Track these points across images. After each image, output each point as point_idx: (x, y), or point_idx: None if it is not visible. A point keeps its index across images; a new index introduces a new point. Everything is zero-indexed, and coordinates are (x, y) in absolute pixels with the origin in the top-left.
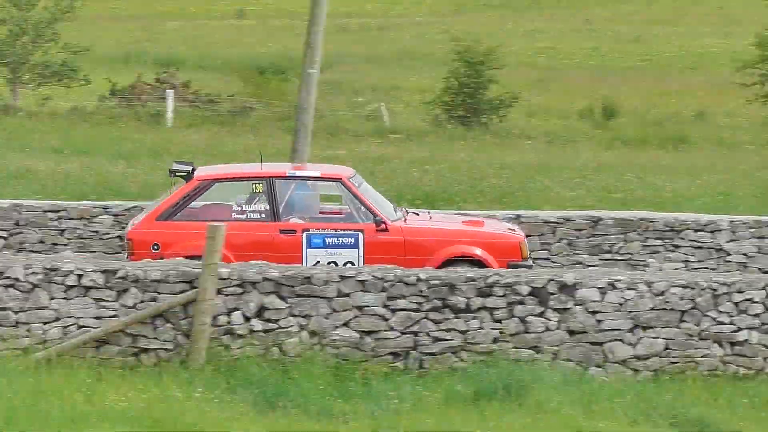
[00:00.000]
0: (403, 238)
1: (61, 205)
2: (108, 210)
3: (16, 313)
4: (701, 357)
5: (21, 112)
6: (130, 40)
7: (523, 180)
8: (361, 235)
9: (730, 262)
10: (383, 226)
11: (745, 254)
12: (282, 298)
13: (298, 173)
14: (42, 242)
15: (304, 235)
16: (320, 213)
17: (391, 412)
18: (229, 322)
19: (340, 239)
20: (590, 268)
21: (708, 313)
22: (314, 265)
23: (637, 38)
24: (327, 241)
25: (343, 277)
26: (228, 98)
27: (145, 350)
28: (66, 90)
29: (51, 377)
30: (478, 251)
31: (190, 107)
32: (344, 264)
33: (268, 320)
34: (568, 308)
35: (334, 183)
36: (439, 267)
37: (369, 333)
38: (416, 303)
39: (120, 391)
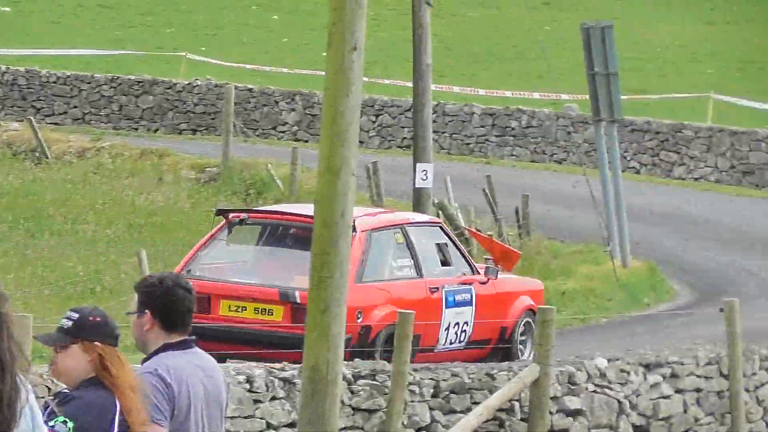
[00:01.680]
0: (496, 291)
1: None
2: None
3: None
4: None
5: None
6: None
7: None
8: (473, 290)
9: None
10: (487, 278)
11: None
12: None
13: (418, 218)
14: None
15: (444, 292)
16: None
17: None
18: None
19: (461, 296)
20: None
21: None
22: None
23: None
24: (456, 299)
25: None
26: None
27: None
28: None
29: None
30: (531, 301)
31: None
32: (462, 325)
33: None
34: None
35: (437, 228)
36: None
37: None
38: None
39: None
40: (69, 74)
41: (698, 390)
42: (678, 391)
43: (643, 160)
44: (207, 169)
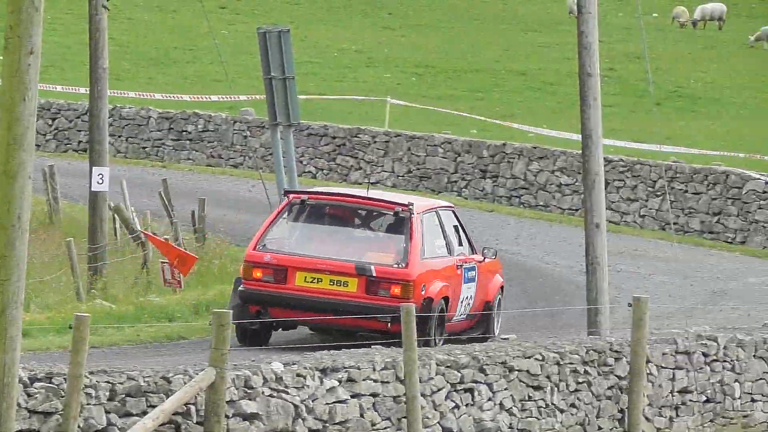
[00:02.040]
0: (486, 270)
1: None
2: None
3: None
4: None
5: None
6: None
7: None
8: (476, 268)
9: None
10: (484, 258)
11: None
12: None
13: (442, 203)
14: None
15: (463, 269)
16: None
17: None
18: None
19: (471, 273)
20: None
21: None
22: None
23: None
24: (469, 275)
25: None
26: None
27: None
28: None
29: None
30: (502, 279)
31: None
32: (468, 298)
33: None
34: None
35: (451, 212)
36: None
37: None
38: None
39: None
40: None
41: (375, 395)
42: (354, 395)
43: (320, 164)
44: None
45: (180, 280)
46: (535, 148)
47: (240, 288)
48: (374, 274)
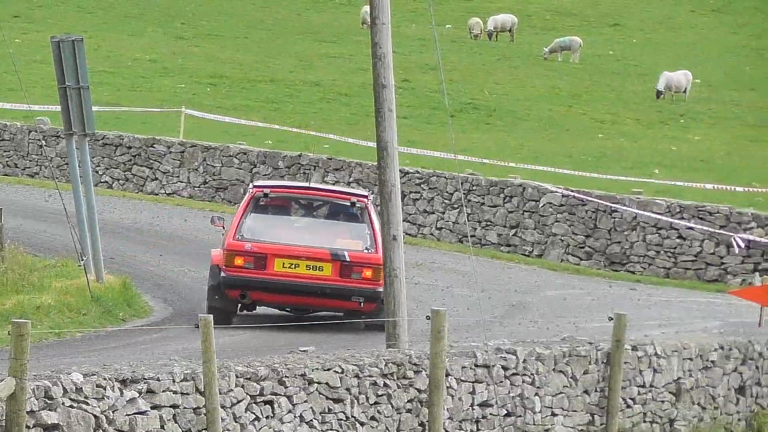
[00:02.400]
0: None
1: None
2: None
3: None
4: None
5: None
6: None
7: None
8: None
9: None
10: None
11: None
12: None
13: None
14: None
15: None
16: None
17: None
18: None
19: None
20: None
21: None
22: None
23: None
24: None
25: None
26: None
27: None
28: None
29: None
30: None
31: None
32: None
33: None
34: None
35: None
36: None
37: None
38: None
39: None
40: None
41: (175, 406)
42: (155, 407)
43: (116, 174)
44: None
45: None
46: (330, 159)
47: (222, 275)
48: (348, 259)
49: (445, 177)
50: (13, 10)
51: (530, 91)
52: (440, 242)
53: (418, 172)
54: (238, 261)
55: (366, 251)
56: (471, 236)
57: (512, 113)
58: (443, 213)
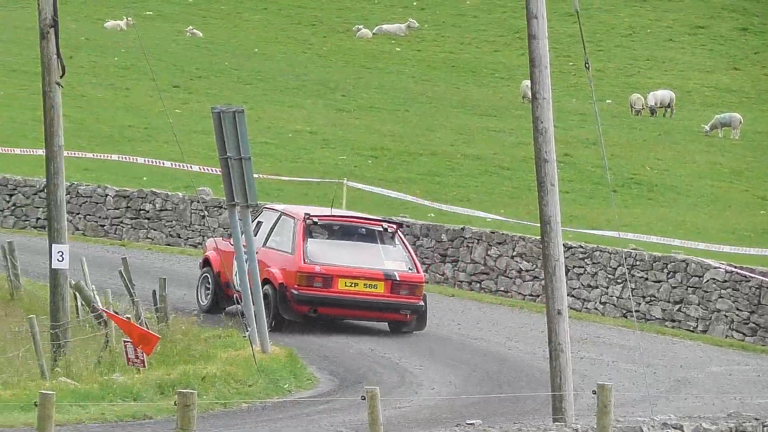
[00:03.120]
0: None
1: None
2: None
3: None
4: None
5: None
6: None
7: None
8: None
9: None
10: None
11: None
12: None
13: None
14: None
15: None
16: None
17: None
18: None
19: None
20: None
21: None
22: None
23: None
24: None
25: None
26: None
27: None
28: None
29: None
30: None
31: None
32: None
33: None
34: None
35: None
36: None
37: None
38: None
39: None
40: None
41: None
42: None
43: None
44: None
45: (143, 359)
46: (493, 233)
47: (294, 292)
48: (398, 279)
49: (608, 252)
50: (173, 80)
51: (691, 167)
52: (604, 317)
53: (581, 247)
54: (309, 281)
55: (409, 271)
56: (635, 311)
57: (674, 189)
58: (607, 288)
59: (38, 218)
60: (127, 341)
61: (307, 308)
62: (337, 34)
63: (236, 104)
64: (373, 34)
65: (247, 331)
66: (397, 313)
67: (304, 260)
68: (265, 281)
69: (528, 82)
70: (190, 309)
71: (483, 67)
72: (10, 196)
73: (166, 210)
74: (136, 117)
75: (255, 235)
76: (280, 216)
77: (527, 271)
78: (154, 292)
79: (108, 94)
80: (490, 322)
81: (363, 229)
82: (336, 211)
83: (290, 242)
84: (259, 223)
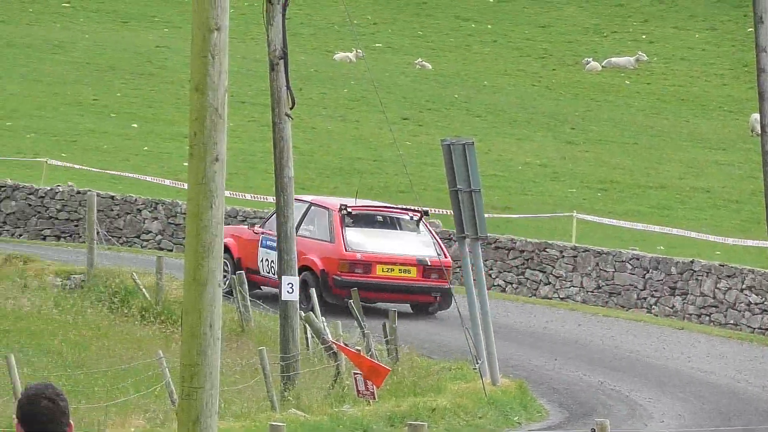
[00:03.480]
0: None
1: None
2: None
3: None
4: None
5: None
6: None
7: None
8: None
9: None
10: None
11: None
12: None
13: None
14: None
15: None
16: None
17: None
18: None
19: None
20: None
21: None
22: None
23: None
24: None
25: None
26: None
27: None
28: None
29: None
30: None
31: None
32: None
33: None
34: None
35: None
36: None
37: None
38: None
39: None
40: None
41: None
42: None
43: (509, 278)
44: (72, 275)
45: (373, 391)
46: (722, 266)
47: (335, 278)
48: (429, 264)
49: None
50: (402, 112)
51: None
52: None
53: None
54: (350, 267)
55: (438, 256)
56: None
57: None
58: None
59: None
60: (357, 373)
61: (346, 293)
62: (566, 67)
63: (466, 136)
64: (603, 66)
65: (478, 363)
66: (429, 295)
67: (345, 248)
68: (303, 268)
69: (757, 116)
70: (420, 342)
71: (711, 101)
72: None
73: None
74: (365, 149)
75: None
76: (309, 206)
77: (756, 304)
78: (384, 324)
79: (337, 126)
80: (719, 355)
81: (391, 218)
82: (360, 201)
83: (328, 231)
84: None
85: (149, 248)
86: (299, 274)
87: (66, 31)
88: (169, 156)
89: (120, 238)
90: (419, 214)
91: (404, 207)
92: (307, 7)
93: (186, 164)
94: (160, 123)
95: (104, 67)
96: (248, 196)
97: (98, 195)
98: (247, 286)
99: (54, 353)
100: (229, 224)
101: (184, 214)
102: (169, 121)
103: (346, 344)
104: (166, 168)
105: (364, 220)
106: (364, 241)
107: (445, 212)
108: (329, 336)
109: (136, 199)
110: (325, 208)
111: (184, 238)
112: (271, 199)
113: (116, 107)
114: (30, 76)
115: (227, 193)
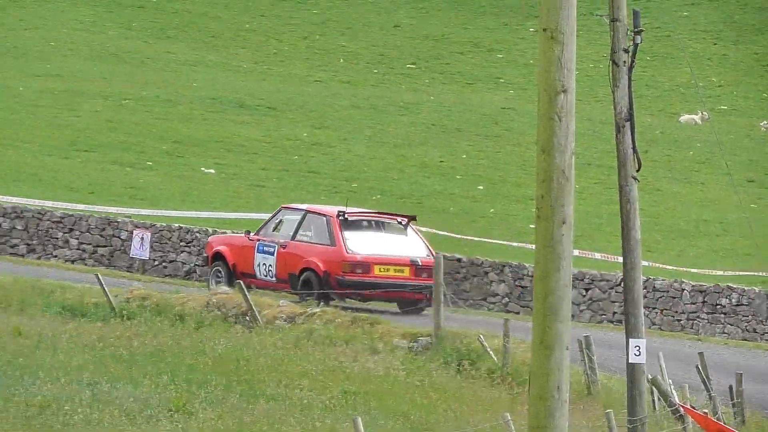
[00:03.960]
0: None
1: None
2: None
3: None
4: None
5: None
6: None
7: None
8: None
9: None
10: None
11: None
12: None
13: None
14: None
15: None
16: None
17: None
18: None
19: None
20: None
21: None
22: None
23: None
24: None
25: None
26: None
27: None
28: None
29: None
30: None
31: None
32: None
33: None
34: None
35: None
36: None
37: None
38: None
39: None
40: None
41: None
42: None
43: None
44: (420, 338)
45: None
46: None
47: (339, 278)
48: (420, 264)
49: None
50: (747, 174)
51: None
52: None
53: None
54: (353, 268)
55: (428, 257)
56: None
57: None
58: None
59: (614, 313)
60: None
61: (348, 292)
62: None
63: None
64: None
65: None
66: (419, 293)
67: (346, 251)
68: (305, 269)
69: None
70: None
71: None
72: (586, 290)
73: (742, 305)
74: (711, 212)
75: (278, 231)
76: (305, 214)
77: None
78: (730, 387)
79: (683, 189)
80: None
81: (382, 223)
82: (350, 209)
83: (328, 236)
84: (280, 221)
85: (496, 311)
86: (301, 275)
87: (412, 92)
88: (515, 218)
89: (467, 300)
90: (407, 219)
91: (393, 213)
92: (652, 69)
93: (532, 226)
94: (507, 185)
95: (450, 128)
96: (597, 256)
97: (444, 257)
98: (593, 349)
99: (401, 416)
100: (573, 290)
101: (531, 276)
102: (515, 183)
103: (693, 407)
104: (513, 230)
105: (359, 225)
106: (360, 244)
107: None
108: (676, 399)
109: (482, 262)
110: (322, 215)
111: (530, 300)
112: (619, 259)
113: (462, 169)
114: (375, 137)
115: (575, 252)
